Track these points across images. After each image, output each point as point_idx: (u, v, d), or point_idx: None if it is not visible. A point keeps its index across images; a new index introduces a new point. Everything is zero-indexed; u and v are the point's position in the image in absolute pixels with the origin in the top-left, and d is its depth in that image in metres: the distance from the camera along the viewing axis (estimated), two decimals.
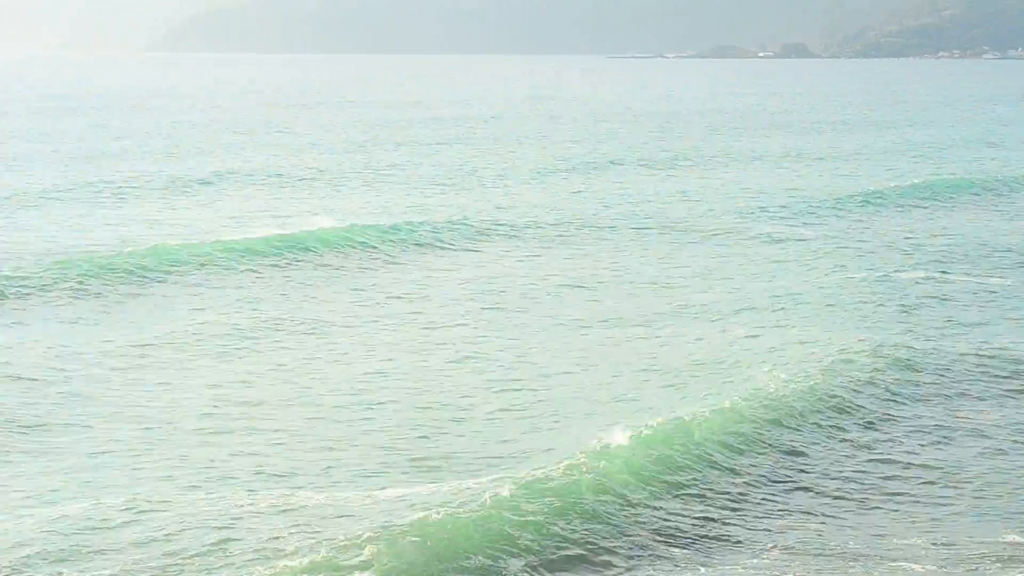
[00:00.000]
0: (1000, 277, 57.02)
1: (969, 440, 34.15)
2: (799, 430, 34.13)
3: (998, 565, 25.78)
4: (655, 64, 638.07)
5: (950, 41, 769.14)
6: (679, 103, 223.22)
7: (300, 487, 29.38)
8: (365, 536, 25.42)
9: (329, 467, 30.90)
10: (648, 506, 28.51)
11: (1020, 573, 25.38)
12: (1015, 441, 34.28)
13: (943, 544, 26.84)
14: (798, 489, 30.33)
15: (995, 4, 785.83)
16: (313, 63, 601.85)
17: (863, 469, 31.68)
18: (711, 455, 31.45)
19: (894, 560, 25.93)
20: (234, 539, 25.96)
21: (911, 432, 34.77)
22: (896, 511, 28.96)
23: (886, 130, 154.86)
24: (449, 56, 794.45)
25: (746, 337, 44.84)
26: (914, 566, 25.61)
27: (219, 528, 26.69)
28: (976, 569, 25.48)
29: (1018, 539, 27.19)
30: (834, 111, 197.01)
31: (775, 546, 26.77)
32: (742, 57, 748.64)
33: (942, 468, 31.90)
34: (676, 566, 25.75)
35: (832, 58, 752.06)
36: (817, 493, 30.10)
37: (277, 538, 25.99)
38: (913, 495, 30.07)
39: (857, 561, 25.90)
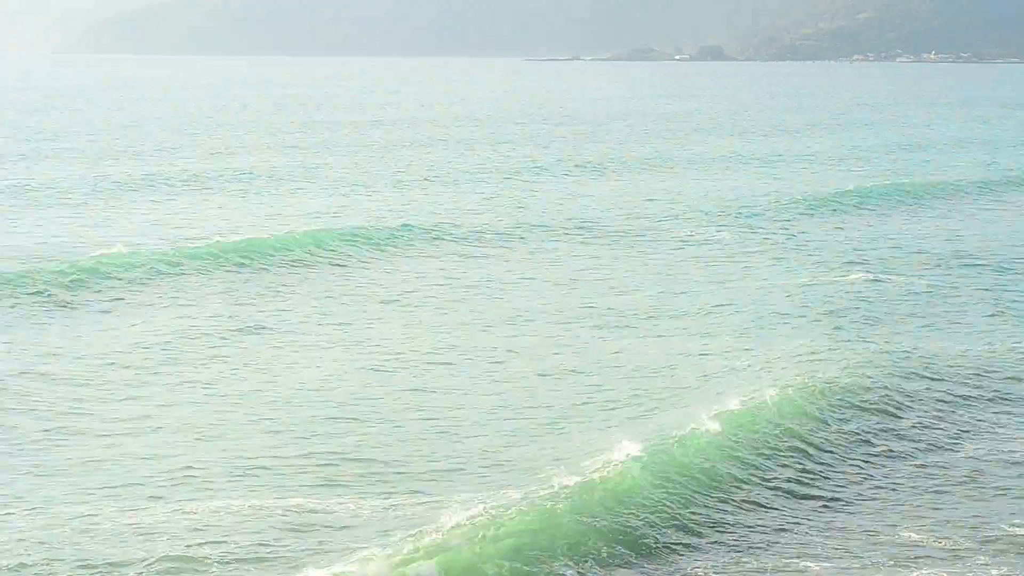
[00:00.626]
0: (933, 279, 57.95)
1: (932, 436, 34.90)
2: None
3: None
4: (573, 67, 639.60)
5: (865, 44, 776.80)
6: (607, 105, 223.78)
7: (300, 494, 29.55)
8: (426, 541, 25.89)
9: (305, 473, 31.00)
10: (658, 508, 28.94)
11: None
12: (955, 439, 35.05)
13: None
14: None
15: (908, 8, 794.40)
16: (228, 64, 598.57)
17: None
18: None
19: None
20: (221, 546, 26.17)
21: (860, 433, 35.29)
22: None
23: (814, 133, 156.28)
24: (368, 59, 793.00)
25: (703, 345, 45.39)
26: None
27: (199, 535, 26.78)
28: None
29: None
30: (759, 115, 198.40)
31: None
32: (659, 60, 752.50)
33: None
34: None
35: (748, 61, 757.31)
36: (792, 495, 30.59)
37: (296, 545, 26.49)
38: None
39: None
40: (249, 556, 25.94)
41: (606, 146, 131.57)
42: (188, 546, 26.29)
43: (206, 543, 26.46)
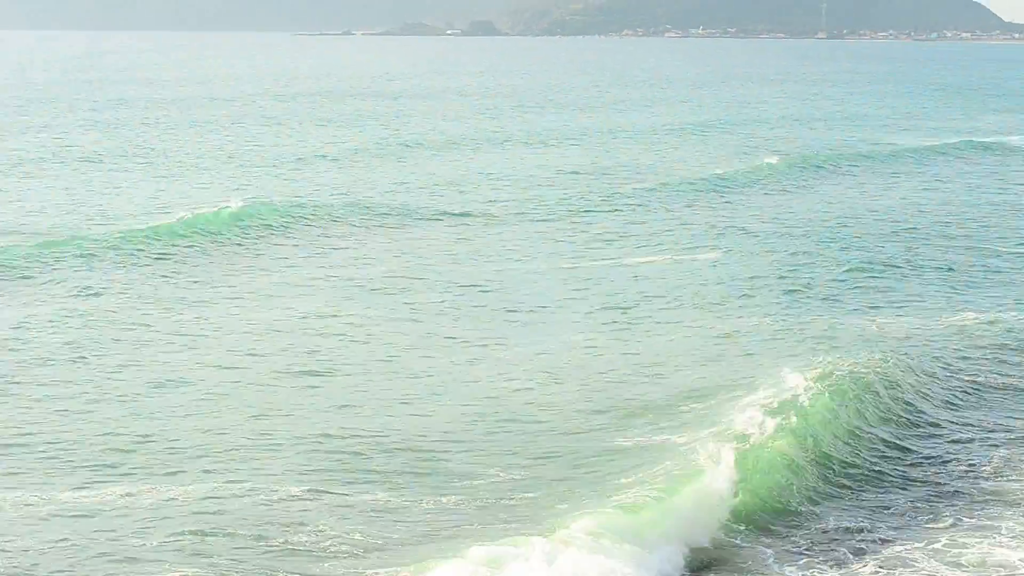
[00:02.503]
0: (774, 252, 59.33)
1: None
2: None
3: None
4: (348, 42, 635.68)
5: (634, 19, 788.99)
6: (406, 82, 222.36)
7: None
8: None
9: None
10: None
11: None
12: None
13: None
14: None
15: None
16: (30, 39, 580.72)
17: None
18: None
19: None
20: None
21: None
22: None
23: (640, 108, 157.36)
24: (130, 34, 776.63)
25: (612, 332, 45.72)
26: None
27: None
28: None
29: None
30: (578, 91, 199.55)
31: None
32: (431, 35, 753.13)
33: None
34: None
35: (519, 36, 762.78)
36: None
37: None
38: None
39: None
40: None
41: (426, 124, 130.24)
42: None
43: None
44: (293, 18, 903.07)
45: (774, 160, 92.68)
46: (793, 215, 70.51)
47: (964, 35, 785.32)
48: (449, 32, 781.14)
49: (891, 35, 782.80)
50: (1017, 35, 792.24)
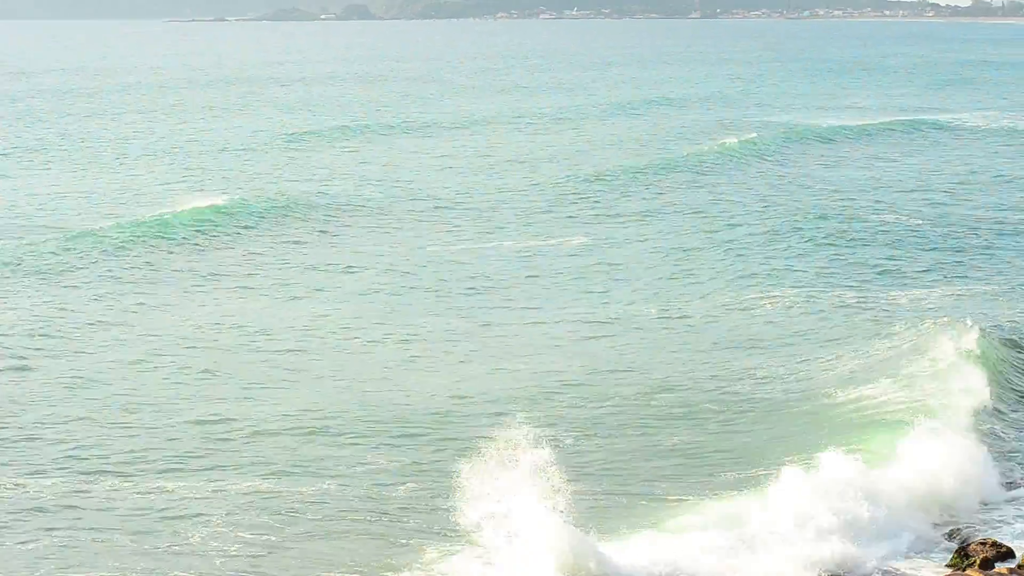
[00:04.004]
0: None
1: None
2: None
3: None
4: (226, 28, 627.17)
5: (508, 2, 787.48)
6: (326, 67, 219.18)
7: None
8: None
9: None
10: None
11: None
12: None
13: None
14: None
15: None
16: None
17: None
18: None
19: None
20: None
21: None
22: None
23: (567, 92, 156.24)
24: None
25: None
26: None
27: None
28: None
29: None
30: (491, 74, 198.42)
31: None
32: (305, 20, 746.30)
33: None
34: None
35: (393, 19, 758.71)
36: None
37: None
38: None
39: None
40: None
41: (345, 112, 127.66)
42: None
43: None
44: (163, 5, 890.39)
45: (734, 140, 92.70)
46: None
47: (836, 13, 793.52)
48: (323, 17, 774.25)
49: (764, 13, 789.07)
50: (888, 12, 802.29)
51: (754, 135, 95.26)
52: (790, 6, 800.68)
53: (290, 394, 36.02)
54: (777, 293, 47.60)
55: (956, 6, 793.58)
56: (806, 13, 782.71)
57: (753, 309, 45.62)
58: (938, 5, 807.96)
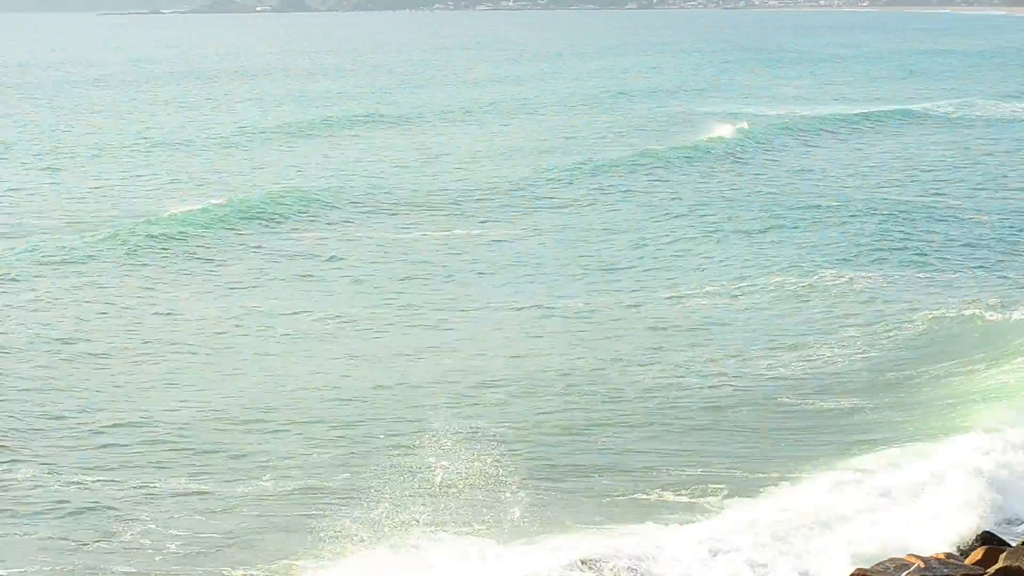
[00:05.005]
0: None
1: None
2: None
3: None
4: (162, 20, 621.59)
5: None
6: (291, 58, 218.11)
7: None
8: None
9: None
10: None
11: None
12: None
13: None
14: None
15: None
16: None
17: None
18: None
19: None
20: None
21: None
22: None
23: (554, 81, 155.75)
24: None
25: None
26: None
27: None
28: None
29: None
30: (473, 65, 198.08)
31: None
32: (240, 12, 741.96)
33: None
34: None
35: (330, 11, 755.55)
36: None
37: None
38: None
39: None
40: None
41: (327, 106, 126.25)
42: None
43: None
44: None
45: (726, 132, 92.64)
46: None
47: (772, 2, 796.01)
48: (259, 9, 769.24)
49: (701, 3, 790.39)
50: (823, 1, 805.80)
51: (718, 134, 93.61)
52: None
53: (218, 387, 35.90)
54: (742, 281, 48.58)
55: None
56: (742, 3, 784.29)
57: (705, 298, 46.10)
58: None
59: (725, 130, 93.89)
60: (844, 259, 52.00)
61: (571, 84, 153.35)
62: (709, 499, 27.95)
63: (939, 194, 68.96)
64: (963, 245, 54.80)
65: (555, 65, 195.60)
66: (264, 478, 29.04)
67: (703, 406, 34.33)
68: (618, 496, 28.26)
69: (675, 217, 62.59)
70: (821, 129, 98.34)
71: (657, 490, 28.54)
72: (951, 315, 42.31)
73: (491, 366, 37.98)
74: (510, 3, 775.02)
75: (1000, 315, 41.89)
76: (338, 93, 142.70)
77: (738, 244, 55.72)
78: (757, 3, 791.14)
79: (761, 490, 28.31)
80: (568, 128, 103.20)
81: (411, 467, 29.08)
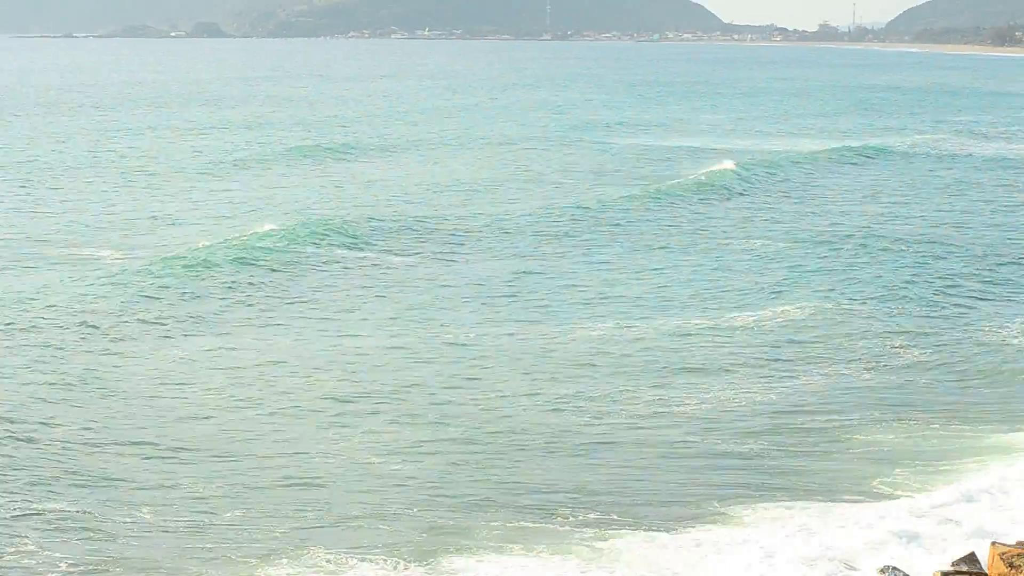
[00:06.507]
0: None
1: None
2: None
3: None
4: (77, 45, 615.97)
5: (359, 21, 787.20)
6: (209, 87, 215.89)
7: None
8: None
9: None
10: None
11: None
12: None
13: None
14: None
15: None
16: None
17: None
18: None
19: None
20: None
21: None
22: None
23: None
24: None
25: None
26: None
27: None
28: None
29: None
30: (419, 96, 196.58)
31: None
32: (154, 37, 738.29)
33: None
34: None
35: (244, 37, 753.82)
36: None
37: None
38: None
39: None
40: None
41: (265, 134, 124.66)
42: None
43: None
44: (8, 21, 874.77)
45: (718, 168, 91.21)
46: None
47: (686, 36, 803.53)
48: (173, 34, 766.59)
49: (614, 36, 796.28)
50: (736, 36, 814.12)
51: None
52: (641, 28, 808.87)
53: (96, 412, 35.17)
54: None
55: (804, 31, 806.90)
56: (656, 36, 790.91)
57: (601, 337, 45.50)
58: (786, 30, 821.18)
59: (715, 166, 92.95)
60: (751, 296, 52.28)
61: (521, 116, 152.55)
62: (585, 531, 27.53)
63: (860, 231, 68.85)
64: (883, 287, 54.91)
65: (495, 96, 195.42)
66: (146, 508, 28.35)
67: (594, 441, 33.66)
68: (511, 525, 27.72)
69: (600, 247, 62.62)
70: (795, 164, 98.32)
71: (549, 521, 28.00)
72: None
73: (376, 393, 37.56)
74: (425, 32, 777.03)
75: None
76: (274, 122, 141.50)
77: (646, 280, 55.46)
78: (671, 36, 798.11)
79: (647, 527, 27.84)
80: (525, 166, 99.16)
81: (300, 499, 29.04)
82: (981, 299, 50.74)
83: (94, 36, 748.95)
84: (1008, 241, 64.66)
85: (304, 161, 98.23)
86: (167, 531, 27.09)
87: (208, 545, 26.31)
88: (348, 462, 31.23)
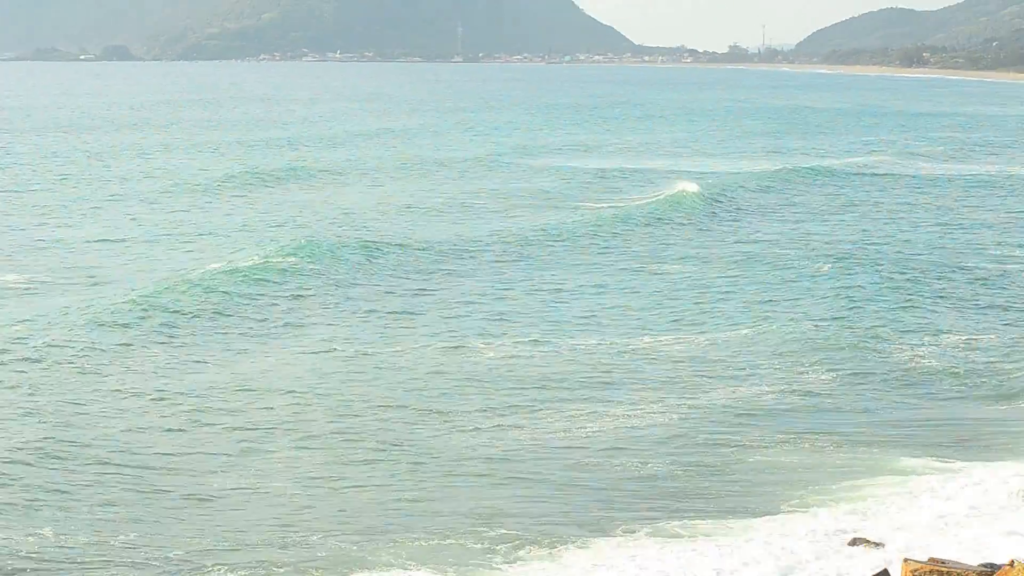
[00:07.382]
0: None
1: None
2: None
3: None
4: None
5: (271, 44, 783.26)
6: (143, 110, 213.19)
7: None
8: None
9: None
10: None
11: None
12: None
13: None
14: None
15: (311, 9, 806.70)
16: None
17: None
18: None
19: None
20: None
21: None
22: None
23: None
24: None
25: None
26: None
27: None
28: None
29: None
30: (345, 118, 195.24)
31: None
32: (64, 60, 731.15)
33: None
34: None
35: (155, 60, 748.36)
36: None
37: None
38: None
39: None
40: None
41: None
42: None
43: None
44: None
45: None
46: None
47: (597, 57, 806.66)
48: (83, 57, 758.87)
49: (525, 58, 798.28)
50: (647, 57, 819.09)
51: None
52: (551, 50, 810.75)
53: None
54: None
55: (714, 52, 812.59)
56: (567, 58, 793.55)
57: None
58: (696, 51, 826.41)
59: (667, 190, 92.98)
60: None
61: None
62: (491, 553, 27.68)
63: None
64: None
65: (425, 119, 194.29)
66: (48, 528, 28.41)
67: (498, 461, 33.80)
68: (415, 546, 27.90)
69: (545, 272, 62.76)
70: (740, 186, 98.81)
71: (454, 542, 28.15)
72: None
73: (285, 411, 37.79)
74: (336, 54, 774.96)
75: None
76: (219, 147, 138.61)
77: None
78: (582, 58, 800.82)
79: (552, 547, 27.98)
80: (466, 190, 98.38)
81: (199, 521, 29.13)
82: (893, 319, 50.72)
83: (2, 60, 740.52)
84: (921, 258, 65.36)
85: (247, 187, 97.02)
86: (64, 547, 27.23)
87: (106, 561, 26.56)
88: (252, 485, 31.23)
